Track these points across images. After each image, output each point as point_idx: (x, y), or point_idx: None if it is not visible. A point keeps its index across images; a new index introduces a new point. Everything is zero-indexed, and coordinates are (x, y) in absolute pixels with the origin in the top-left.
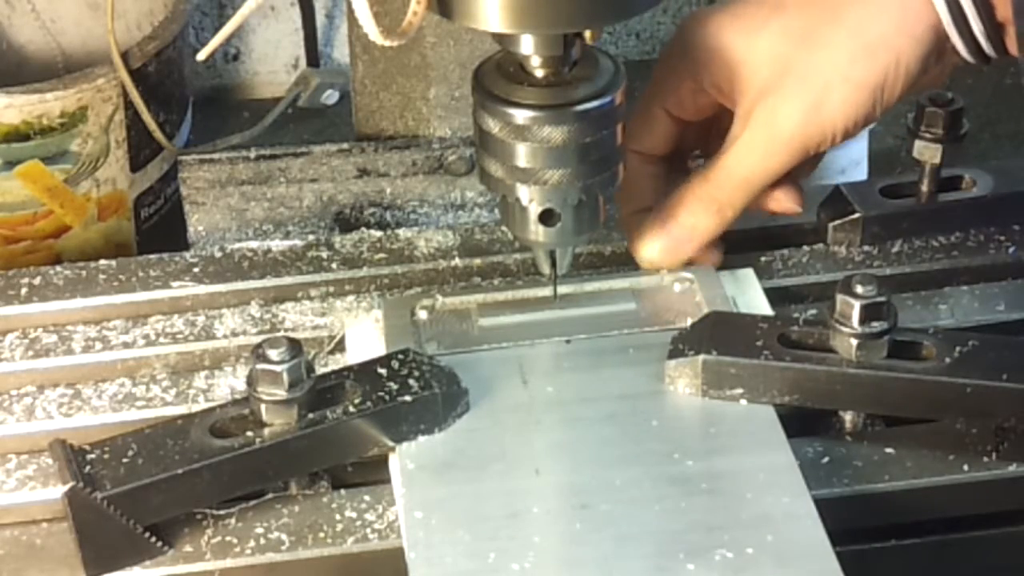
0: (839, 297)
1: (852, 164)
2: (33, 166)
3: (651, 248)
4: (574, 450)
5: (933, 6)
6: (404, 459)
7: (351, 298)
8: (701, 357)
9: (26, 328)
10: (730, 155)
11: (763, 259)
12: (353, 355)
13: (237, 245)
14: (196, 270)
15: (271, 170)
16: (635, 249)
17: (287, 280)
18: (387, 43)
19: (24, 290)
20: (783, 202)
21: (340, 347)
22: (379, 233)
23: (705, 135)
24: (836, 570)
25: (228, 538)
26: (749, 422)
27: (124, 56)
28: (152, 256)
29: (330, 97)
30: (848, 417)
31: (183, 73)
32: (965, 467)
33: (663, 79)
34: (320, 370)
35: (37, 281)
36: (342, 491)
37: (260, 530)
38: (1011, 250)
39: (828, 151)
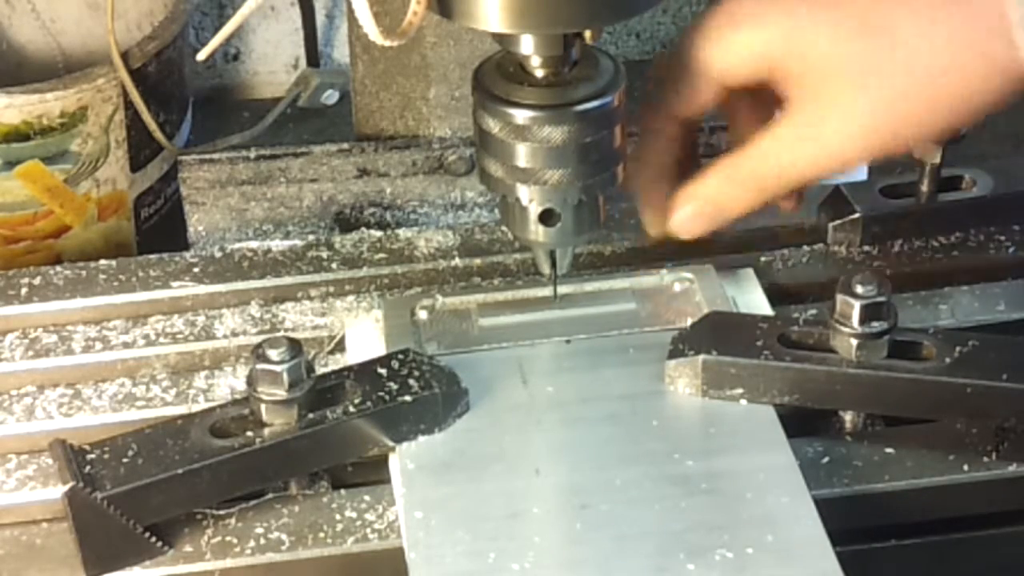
0: (839, 297)
1: None
2: (33, 166)
3: (682, 217)
4: (574, 450)
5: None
6: (404, 459)
7: (351, 298)
8: (701, 357)
9: (26, 328)
10: (780, 140)
11: (763, 259)
12: (353, 355)
13: (237, 245)
14: (196, 270)
15: (271, 170)
16: (656, 218)
17: (287, 280)
18: (387, 43)
19: (24, 290)
20: (789, 200)
21: (340, 347)
22: (379, 233)
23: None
24: (836, 570)
25: (228, 538)
26: (749, 422)
27: (124, 56)
28: (152, 256)
29: (330, 97)
30: (848, 417)
31: (183, 73)
32: (965, 467)
33: (715, 31)
34: (320, 370)
35: (37, 281)
36: (342, 491)
37: (260, 530)
38: (1011, 250)
39: None
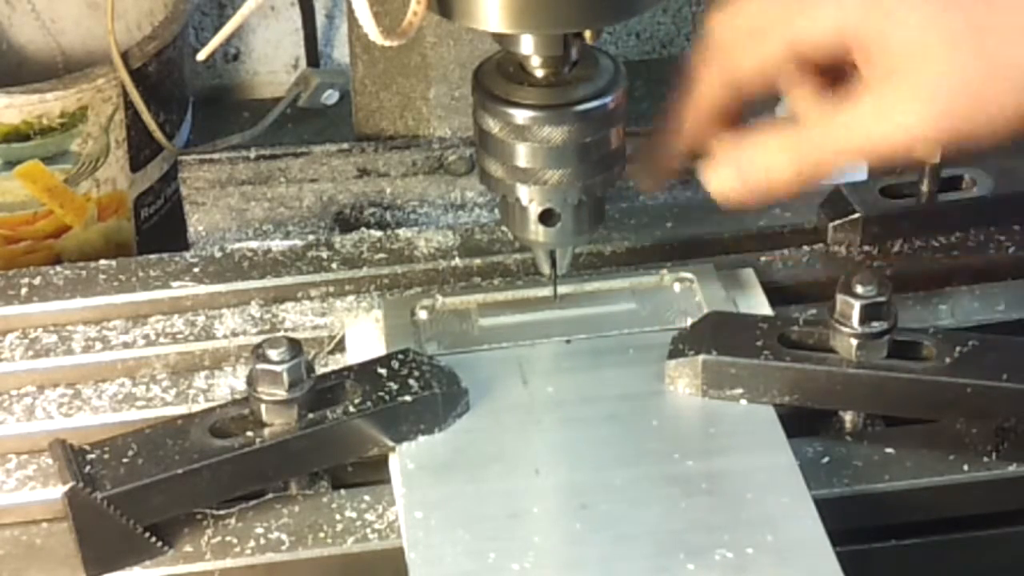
0: (839, 297)
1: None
2: (33, 166)
3: (719, 176)
4: (574, 450)
5: None
6: (404, 459)
7: (351, 298)
8: (701, 357)
9: (26, 328)
10: (856, 116)
11: (763, 259)
12: (353, 355)
13: (237, 245)
14: (196, 270)
15: (271, 170)
16: (655, 173)
17: (287, 280)
18: (387, 43)
19: (24, 290)
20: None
21: (340, 347)
22: (379, 233)
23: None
24: (836, 570)
25: (228, 538)
26: (749, 422)
27: (124, 56)
28: (152, 256)
29: (330, 97)
30: (848, 417)
31: (183, 73)
32: (965, 467)
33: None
34: (320, 370)
35: (37, 281)
36: (342, 491)
37: (260, 530)
38: (1011, 250)
39: None
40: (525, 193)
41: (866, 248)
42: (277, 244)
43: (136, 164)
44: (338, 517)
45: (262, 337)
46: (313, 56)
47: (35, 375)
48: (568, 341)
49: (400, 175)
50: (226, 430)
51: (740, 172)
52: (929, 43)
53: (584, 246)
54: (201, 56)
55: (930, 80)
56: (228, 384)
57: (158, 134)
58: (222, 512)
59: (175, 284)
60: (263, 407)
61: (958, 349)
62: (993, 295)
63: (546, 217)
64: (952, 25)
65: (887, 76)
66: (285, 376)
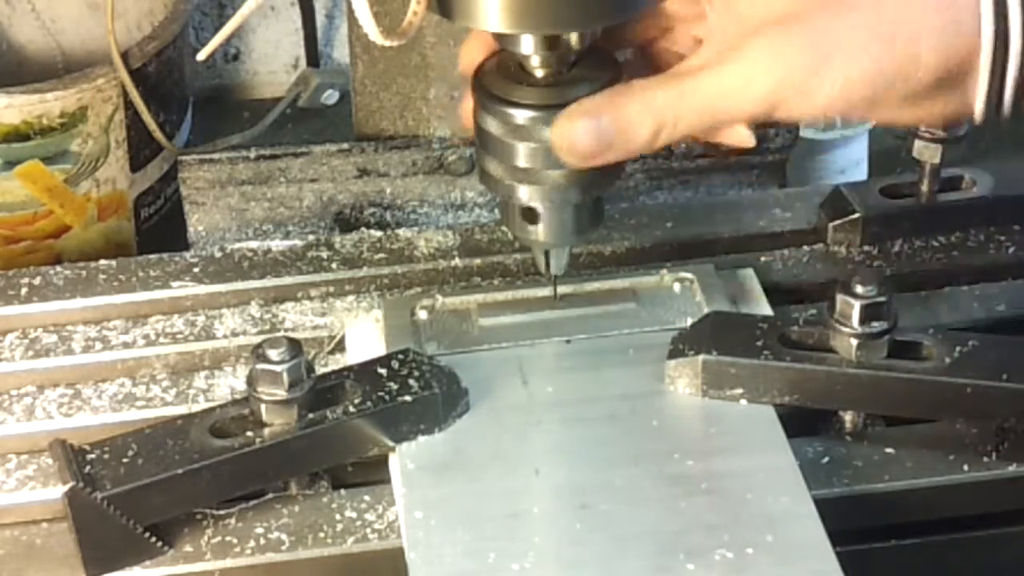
0: (839, 297)
1: (852, 164)
2: (33, 166)
3: (569, 129)
4: (574, 450)
5: (978, 23)
6: (404, 459)
7: (351, 298)
8: (701, 357)
9: (26, 328)
10: (700, 77)
11: (763, 259)
12: (353, 355)
13: (237, 245)
14: (196, 270)
15: (271, 170)
16: (556, 121)
17: (287, 280)
18: (387, 43)
19: (24, 290)
20: (735, 136)
21: (340, 347)
22: (379, 233)
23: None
24: (836, 570)
25: (228, 538)
26: (749, 422)
27: (124, 56)
28: (152, 256)
29: (330, 97)
30: (848, 417)
31: (183, 73)
32: (965, 467)
33: None
34: (320, 370)
35: (37, 281)
36: (342, 491)
37: (260, 530)
38: (1011, 250)
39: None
40: (525, 193)
41: (866, 248)
42: (277, 244)
43: (136, 164)
44: (338, 517)
45: (262, 337)
46: (313, 56)
47: (35, 375)
48: (568, 341)
49: (400, 175)
50: (226, 430)
51: (597, 128)
52: (777, 12)
53: (584, 246)
54: (201, 56)
55: (765, 56)
56: (228, 384)
57: (158, 134)
58: (222, 512)
59: (175, 284)
60: (263, 407)
61: (958, 349)
62: (993, 295)
63: (529, 215)
64: (794, 12)
65: (730, 48)
66: (285, 376)
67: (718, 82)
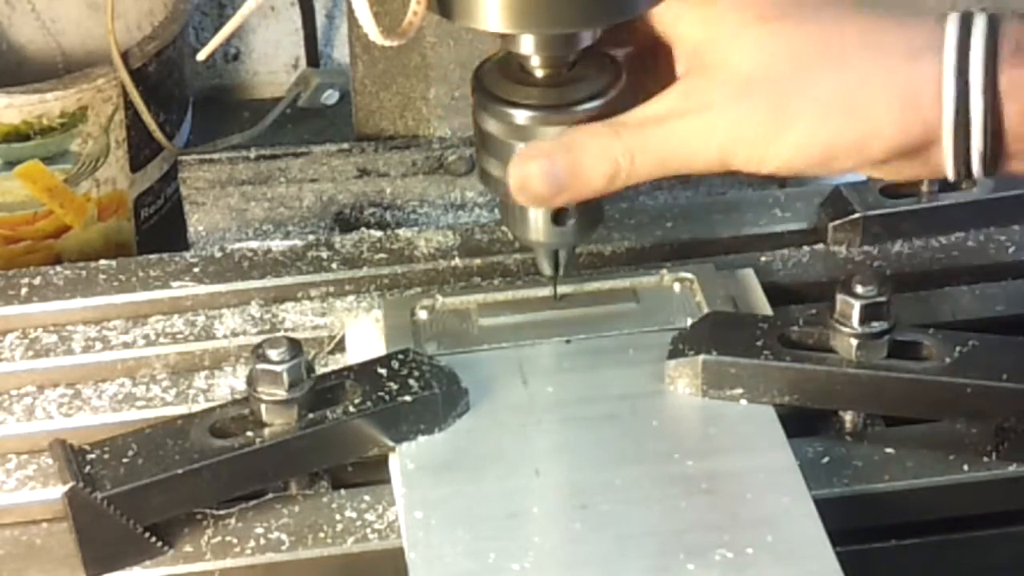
0: (839, 297)
1: None
2: (33, 166)
3: (522, 170)
4: (574, 450)
5: (939, 101)
6: (404, 459)
7: (351, 298)
8: (701, 357)
9: (26, 328)
10: (660, 130)
11: (763, 259)
12: (353, 355)
13: (237, 245)
14: (196, 270)
15: (271, 170)
16: (511, 162)
17: (287, 280)
18: (387, 43)
19: (24, 290)
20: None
21: (340, 347)
22: (379, 233)
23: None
24: (836, 570)
25: (228, 538)
26: (749, 422)
27: (124, 56)
28: (152, 256)
29: (330, 97)
30: (848, 417)
31: (183, 73)
32: (965, 467)
33: None
34: (320, 370)
35: (37, 281)
36: (342, 491)
37: (260, 530)
38: (1011, 250)
39: None
40: None
41: (866, 248)
42: (277, 244)
43: (136, 164)
44: (338, 517)
45: (262, 337)
46: (313, 56)
47: (35, 375)
48: (568, 341)
49: (400, 175)
50: (226, 430)
51: (551, 170)
52: (743, 72)
53: (584, 246)
54: (201, 56)
55: (726, 119)
56: (228, 384)
57: (158, 134)
58: (222, 512)
59: (175, 284)
60: (263, 407)
61: (958, 349)
62: (993, 295)
63: (558, 216)
64: (761, 76)
65: (695, 104)
66: (285, 376)
67: (680, 133)
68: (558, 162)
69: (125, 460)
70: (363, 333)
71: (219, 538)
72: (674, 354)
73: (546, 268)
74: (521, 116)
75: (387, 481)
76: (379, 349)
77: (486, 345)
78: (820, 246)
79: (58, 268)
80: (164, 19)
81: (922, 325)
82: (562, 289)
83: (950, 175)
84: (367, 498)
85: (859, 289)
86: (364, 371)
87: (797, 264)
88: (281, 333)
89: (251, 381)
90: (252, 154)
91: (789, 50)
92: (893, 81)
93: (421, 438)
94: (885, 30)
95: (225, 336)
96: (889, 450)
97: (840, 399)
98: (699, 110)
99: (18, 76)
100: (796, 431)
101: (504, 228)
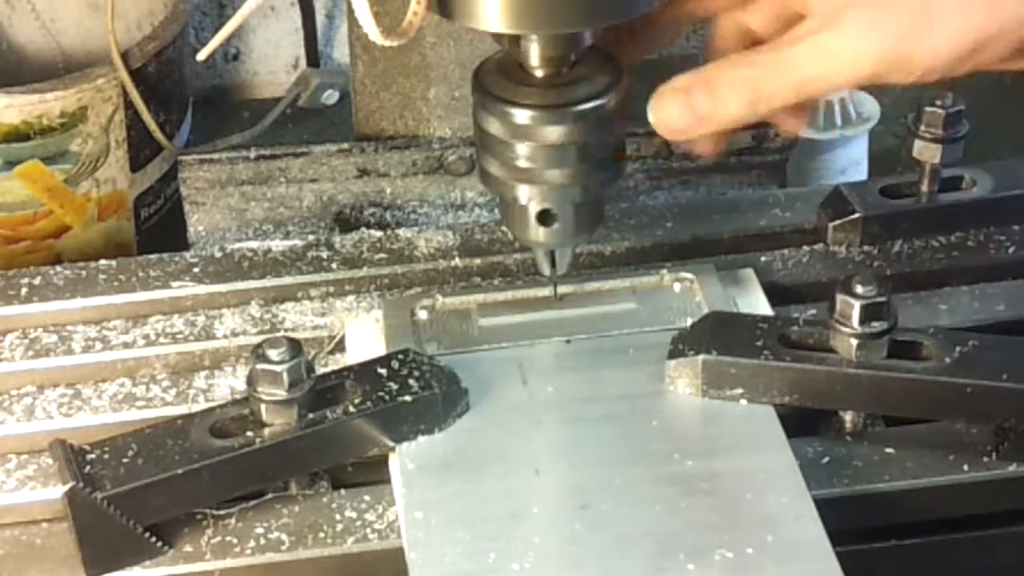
0: (839, 297)
1: (852, 164)
2: (33, 166)
3: (665, 108)
4: (574, 450)
5: None
6: (404, 459)
7: (351, 298)
8: (701, 357)
9: (26, 328)
10: (798, 49)
11: (763, 259)
12: (353, 355)
13: (237, 245)
14: (196, 270)
15: (271, 170)
16: (651, 100)
17: (287, 280)
18: (387, 43)
19: (24, 290)
20: (791, 121)
21: (340, 347)
22: (379, 233)
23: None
24: (836, 570)
25: (228, 538)
26: (749, 422)
27: (124, 56)
28: (152, 256)
29: (330, 97)
30: (848, 417)
31: (183, 73)
32: (965, 467)
33: None
34: (320, 370)
35: (37, 281)
36: (342, 491)
37: (260, 530)
38: (1011, 250)
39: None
40: (525, 193)
41: (866, 248)
42: (277, 244)
43: (136, 164)
44: (338, 517)
45: (262, 337)
46: (313, 56)
47: (35, 375)
48: (568, 341)
49: (400, 175)
50: (226, 430)
51: (689, 103)
52: None
53: (584, 246)
54: (201, 56)
55: (866, 25)
56: (228, 384)
57: (158, 134)
58: (222, 512)
59: (175, 284)
60: (263, 407)
61: (958, 349)
62: (993, 295)
63: (544, 217)
64: None
65: (830, 14)
66: (285, 376)
67: (820, 48)
68: (697, 94)
69: (125, 460)
70: (363, 333)
71: (219, 538)
72: (674, 354)
73: (545, 268)
74: (521, 116)
75: (387, 481)
76: (379, 349)
77: (486, 345)
78: (820, 246)
79: (58, 268)
80: (164, 19)
81: (922, 325)
82: (562, 289)
83: None
84: (367, 498)
85: (859, 289)
86: (364, 371)
87: (797, 264)
88: (281, 333)
89: (251, 381)
90: (252, 154)
91: None
92: None
93: (421, 438)
94: None
95: (225, 336)
96: (889, 450)
97: (840, 399)
98: (839, 22)
99: (18, 76)
100: (796, 431)
101: (504, 228)
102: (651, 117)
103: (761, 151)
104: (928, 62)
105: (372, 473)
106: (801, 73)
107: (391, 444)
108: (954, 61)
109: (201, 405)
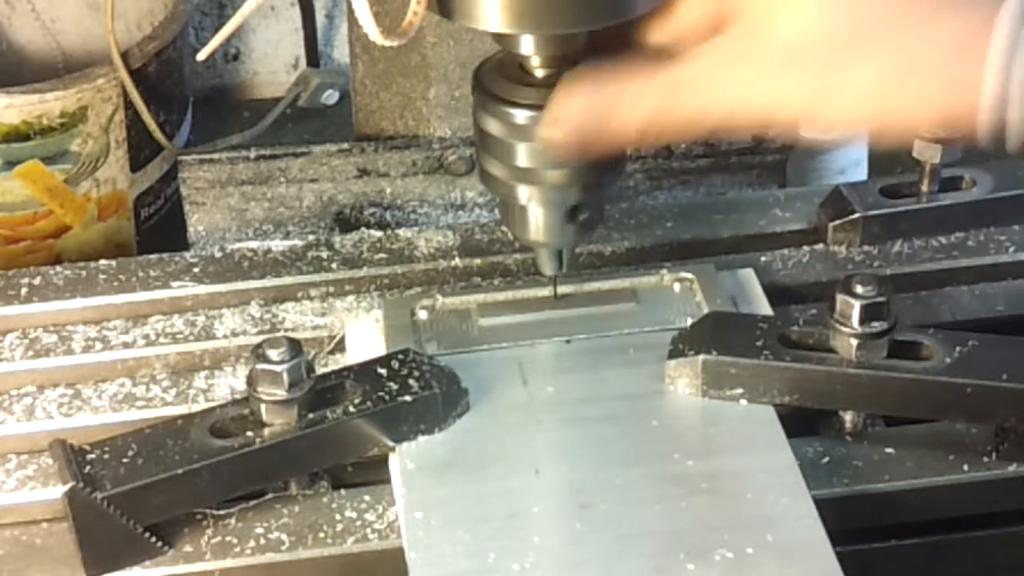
0: (839, 297)
1: (852, 164)
2: (33, 166)
3: (554, 121)
4: (574, 450)
5: (981, 79)
6: (404, 459)
7: (351, 298)
8: (701, 357)
9: (26, 328)
10: (713, 80)
11: (763, 259)
12: (353, 355)
13: (237, 245)
14: (196, 270)
15: (271, 170)
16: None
17: (287, 280)
18: (387, 43)
19: (24, 290)
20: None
21: (340, 347)
22: (379, 233)
23: None
24: (836, 570)
25: (228, 538)
26: (749, 422)
27: (124, 56)
28: (152, 256)
29: (330, 97)
30: (848, 417)
31: (183, 73)
32: (965, 467)
33: None
34: (320, 370)
35: (37, 281)
36: (342, 491)
37: (260, 530)
38: (1011, 250)
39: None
40: (525, 193)
41: (866, 248)
42: (277, 244)
43: (136, 164)
44: (338, 517)
45: (262, 337)
46: (313, 56)
47: (35, 375)
48: (568, 341)
49: (400, 175)
50: (226, 430)
51: (582, 120)
52: (789, 43)
53: (584, 246)
54: (201, 56)
55: (774, 80)
56: (228, 384)
57: (158, 134)
58: (222, 512)
59: (175, 284)
60: (263, 407)
61: (958, 349)
62: (993, 295)
63: (574, 213)
64: (818, 39)
65: (746, 56)
66: (285, 376)
67: (724, 88)
68: (589, 117)
69: (125, 460)
70: (363, 333)
71: (219, 538)
72: (674, 354)
73: (547, 268)
74: (521, 116)
75: (387, 481)
76: (379, 349)
77: (486, 345)
78: (820, 246)
79: (58, 268)
80: (164, 19)
81: (922, 325)
82: (562, 289)
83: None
84: (367, 498)
85: (859, 289)
86: (364, 371)
87: (797, 264)
88: (281, 333)
89: (251, 381)
90: (252, 154)
91: (850, 12)
92: (946, 59)
93: (421, 438)
94: (946, 6)
95: (225, 336)
96: (889, 450)
97: (840, 399)
98: (748, 67)
99: (18, 76)
100: (796, 431)
101: (504, 228)
102: (541, 133)
103: (761, 151)
104: (825, 127)
105: (372, 473)
106: (699, 109)
107: (391, 444)
108: (855, 127)
109: (201, 405)
